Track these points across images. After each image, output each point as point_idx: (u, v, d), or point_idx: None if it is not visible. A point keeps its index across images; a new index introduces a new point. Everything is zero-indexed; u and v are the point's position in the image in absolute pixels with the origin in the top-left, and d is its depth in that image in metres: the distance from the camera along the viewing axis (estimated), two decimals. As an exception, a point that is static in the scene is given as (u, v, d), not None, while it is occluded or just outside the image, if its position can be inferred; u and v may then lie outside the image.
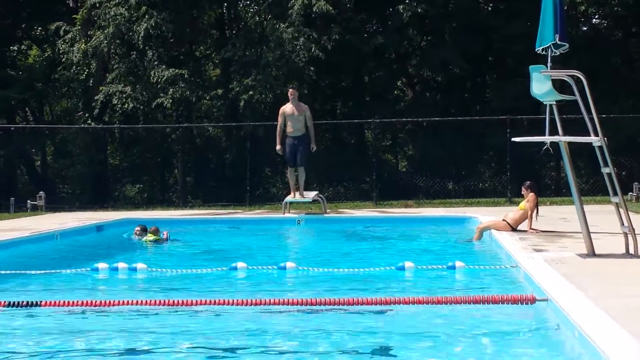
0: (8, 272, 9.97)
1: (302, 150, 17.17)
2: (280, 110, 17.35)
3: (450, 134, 26.49)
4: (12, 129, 29.18)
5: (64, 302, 7.50)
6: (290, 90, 17.55)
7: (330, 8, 25.14)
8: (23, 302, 7.35)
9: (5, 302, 7.40)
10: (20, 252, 12.30)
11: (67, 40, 27.59)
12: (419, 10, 25.85)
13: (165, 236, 13.83)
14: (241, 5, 31.26)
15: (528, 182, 12.70)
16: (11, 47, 34.23)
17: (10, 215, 19.72)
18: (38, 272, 9.95)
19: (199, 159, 29.61)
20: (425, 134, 28.61)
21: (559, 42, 9.89)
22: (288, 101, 17.41)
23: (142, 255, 11.91)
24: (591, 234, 9.17)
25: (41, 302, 7.39)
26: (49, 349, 6.26)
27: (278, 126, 17.32)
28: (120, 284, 9.73)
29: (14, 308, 7.29)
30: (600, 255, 9.01)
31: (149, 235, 13.65)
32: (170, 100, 25.81)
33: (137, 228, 13.95)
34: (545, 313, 6.71)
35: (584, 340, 5.33)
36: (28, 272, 9.97)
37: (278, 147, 17.36)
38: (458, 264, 9.58)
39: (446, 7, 27.69)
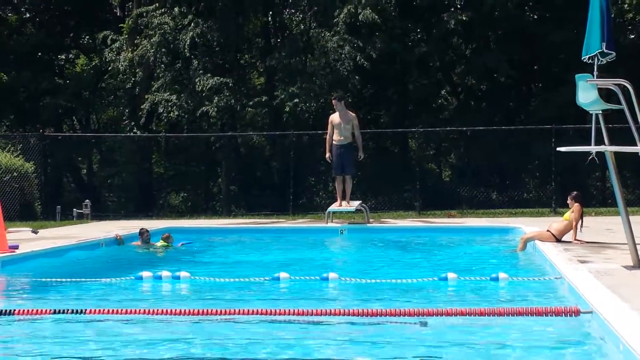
0: (54, 279, 10.10)
1: (349, 159, 17.22)
2: (329, 119, 17.45)
3: (495, 143, 26.33)
4: (60, 137, 29.56)
5: (109, 310, 7.56)
6: (333, 100, 17.64)
7: (376, 17, 25.10)
8: (68, 310, 7.43)
9: (51, 309, 7.50)
10: (66, 259, 12.46)
11: (113, 49, 27.91)
12: (464, 18, 25.73)
13: (179, 246, 14.31)
14: (287, 14, 31.38)
15: (574, 192, 12.57)
16: (59, 56, 34.71)
17: (56, 223, 19.94)
18: (83, 280, 10.05)
19: (243, 168, 29.74)
20: (469, 143, 28.46)
21: (605, 51, 9.81)
22: (334, 110, 17.50)
23: (186, 264, 11.96)
24: (637, 246, 9.06)
25: (86, 310, 7.47)
26: (92, 357, 6.32)
27: (327, 135, 17.42)
28: (164, 293, 9.80)
29: (59, 315, 7.38)
30: (646, 268, 8.90)
31: (160, 241, 13.97)
32: (215, 109, 25.94)
33: (145, 232, 14.23)
34: (590, 325, 6.64)
35: (629, 354, 5.26)
36: (74, 280, 10.07)
37: (327, 154, 17.44)
38: (501, 275, 9.50)
39: (491, 14, 27.54)
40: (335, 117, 17.30)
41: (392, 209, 24.25)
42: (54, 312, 7.41)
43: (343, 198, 17.38)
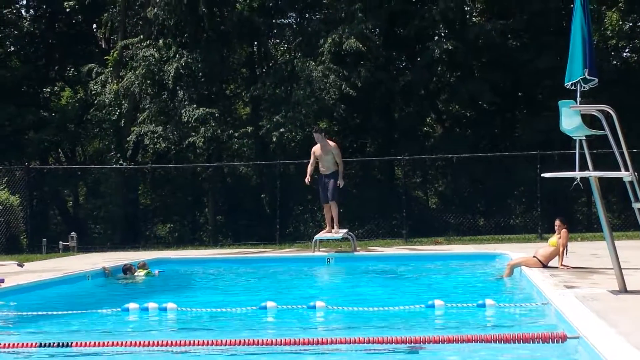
0: (40, 312, 10.04)
1: (331, 187, 17.32)
2: (312, 150, 17.61)
3: (480, 170, 26.40)
4: (45, 170, 29.46)
5: (95, 342, 7.52)
6: (314, 133, 17.87)
7: (361, 45, 25.21)
8: (54, 343, 7.39)
9: (36, 343, 7.46)
10: (52, 292, 12.40)
11: (98, 82, 27.91)
12: (450, 47, 25.84)
13: (156, 273, 14.50)
14: (271, 44, 31.49)
15: (559, 217, 12.63)
16: (44, 89, 34.67)
17: (42, 256, 19.85)
18: (69, 312, 10.00)
19: (230, 198, 29.68)
20: (455, 170, 28.53)
21: (588, 77, 9.90)
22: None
23: (172, 295, 11.92)
24: (623, 270, 9.09)
25: (72, 343, 7.43)
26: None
27: (309, 164, 17.54)
28: (151, 324, 9.75)
29: (46, 349, 7.34)
30: (632, 292, 8.92)
31: (139, 270, 14.06)
32: (202, 139, 25.92)
33: (129, 266, 14.32)
34: (577, 351, 6.65)
35: (616, 379, 5.27)
36: (60, 312, 10.02)
37: (307, 179, 17.53)
38: (488, 301, 9.51)
39: (475, 43, 27.69)
40: (317, 149, 17.57)
41: (379, 237, 24.24)
42: (40, 346, 7.37)
43: (332, 225, 17.47)
